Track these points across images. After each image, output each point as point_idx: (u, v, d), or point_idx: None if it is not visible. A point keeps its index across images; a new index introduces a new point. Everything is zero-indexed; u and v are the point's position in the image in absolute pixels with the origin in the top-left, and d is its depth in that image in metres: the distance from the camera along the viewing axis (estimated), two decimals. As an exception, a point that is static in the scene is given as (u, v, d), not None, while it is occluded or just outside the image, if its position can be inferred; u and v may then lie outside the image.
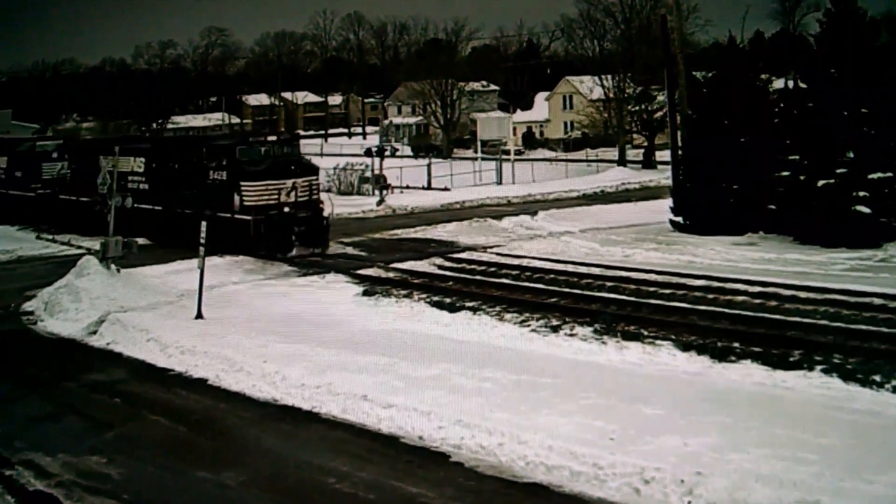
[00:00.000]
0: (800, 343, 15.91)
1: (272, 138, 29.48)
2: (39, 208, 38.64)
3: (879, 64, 26.21)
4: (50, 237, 34.58)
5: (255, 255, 26.76)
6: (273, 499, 11.07)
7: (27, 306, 22.26)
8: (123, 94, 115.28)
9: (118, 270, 22.93)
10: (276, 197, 27.37)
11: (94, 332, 19.21)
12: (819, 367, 14.64)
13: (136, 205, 28.07)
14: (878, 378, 13.99)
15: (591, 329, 17.75)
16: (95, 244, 24.85)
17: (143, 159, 32.61)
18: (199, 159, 29.61)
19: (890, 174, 25.34)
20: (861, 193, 25.10)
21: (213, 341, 17.36)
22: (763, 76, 31.98)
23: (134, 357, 17.53)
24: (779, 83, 33.46)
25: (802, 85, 28.90)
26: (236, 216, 27.24)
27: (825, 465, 10.49)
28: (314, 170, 29.89)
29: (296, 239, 27.42)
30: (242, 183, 27.24)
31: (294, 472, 11.84)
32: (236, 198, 27.35)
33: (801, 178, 26.29)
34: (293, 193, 27.49)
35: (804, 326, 17.29)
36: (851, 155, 25.69)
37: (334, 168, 53.28)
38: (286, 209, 27.32)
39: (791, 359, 15.19)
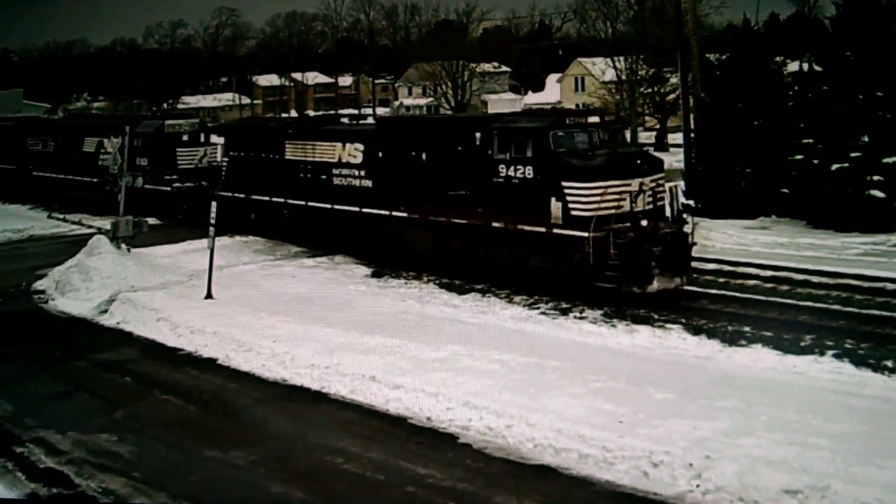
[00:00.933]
0: (812, 328, 15.80)
1: (594, 119, 20.68)
2: (190, 209, 30.99)
3: (895, 47, 25.94)
4: (61, 216, 34.69)
5: (591, 288, 18.63)
6: (283, 479, 11.09)
7: (38, 285, 22.36)
8: (134, 73, 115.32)
9: (129, 250, 22.98)
10: (616, 204, 18.80)
11: (105, 312, 19.29)
12: (831, 353, 14.56)
13: (353, 208, 23.91)
14: (890, 364, 13.91)
15: (600, 312, 17.68)
16: (106, 223, 24.89)
17: (359, 145, 24.37)
18: (475, 147, 20.93)
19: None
20: (875, 178, 24.90)
21: (223, 321, 17.39)
22: (777, 59, 31.66)
23: (144, 336, 17.60)
24: (793, 66, 33.06)
25: (817, 68, 28.61)
26: (556, 231, 19.09)
27: (836, 451, 10.46)
28: (661, 165, 20.59)
29: (655, 265, 18.49)
30: (566, 183, 18.96)
31: (303, 452, 11.88)
32: (555, 204, 19.24)
33: (815, 161, 26.10)
34: (640, 199, 19.06)
35: (816, 311, 17.19)
36: (866, 139, 25.48)
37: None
38: (641, 222, 18.61)
39: (802, 343, 15.11)
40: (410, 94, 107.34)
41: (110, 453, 11.96)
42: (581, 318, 17.51)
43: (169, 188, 32.63)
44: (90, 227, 30.28)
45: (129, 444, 12.25)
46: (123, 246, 22.85)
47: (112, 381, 15.32)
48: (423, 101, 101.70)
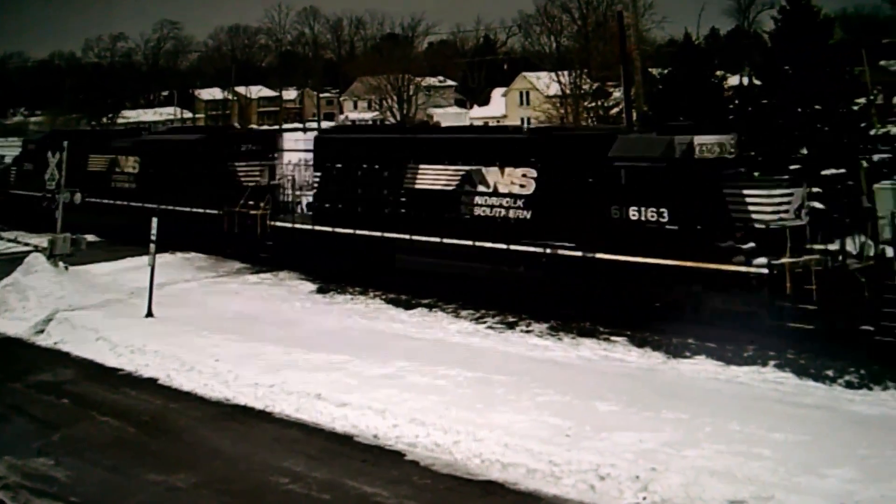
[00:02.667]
0: (753, 339, 15.91)
1: None
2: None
3: (833, 61, 26.48)
4: (-5, 234, 33.85)
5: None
6: (225, 501, 10.89)
7: (-29, 305, 21.70)
8: (73, 87, 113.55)
9: (67, 268, 22.51)
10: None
11: (42, 332, 18.84)
12: (772, 363, 14.76)
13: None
14: (831, 373, 14.13)
15: (546, 325, 17.71)
16: (43, 241, 24.35)
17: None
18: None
19: (843, 170, 25.61)
20: (815, 189, 25.35)
21: (165, 340, 17.07)
22: (718, 73, 32.19)
23: (82, 356, 17.20)
24: (734, 80, 33.66)
25: (757, 82, 29.10)
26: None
27: (779, 461, 10.57)
28: None
29: None
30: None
31: (247, 473, 11.65)
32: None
33: (756, 174, 26.46)
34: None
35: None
36: (805, 151, 25.94)
37: (288, 163, 52.82)
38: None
39: (745, 354, 15.28)
40: (356, 107, 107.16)
41: (47, 477, 11.64)
42: (527, 331, 17.55)
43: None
44: (27, 244, 29.55)
45: (67, 467, 11.93)
46: (61, 264, 22.37)
47: (49, 402, 14.92)
48: (368, 115, 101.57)
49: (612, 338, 16.62)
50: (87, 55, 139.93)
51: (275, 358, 15.59)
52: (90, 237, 25.83)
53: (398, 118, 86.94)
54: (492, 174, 19.96)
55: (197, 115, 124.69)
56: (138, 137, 34.37)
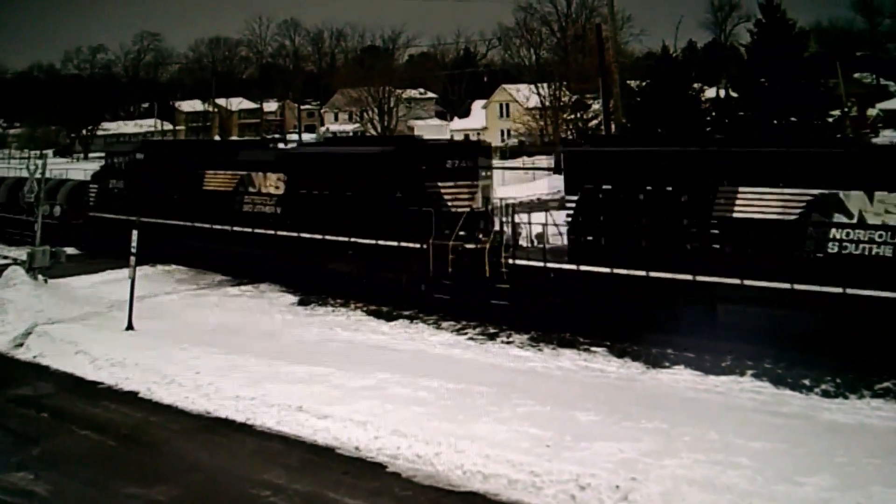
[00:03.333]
0: (731, 348, 16.04)
1: None
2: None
3: (808, 73, 26.82)
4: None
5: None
6: (206, 514, 10.86)
7: (-51, 319, 21.53)
8: (52, 99, 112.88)
9: (46, 281, 22.42)
10: None
11: (21, 345, 18.73)
12: (750, 372, 14.88)
13: None
14: (807, 382, 14.26)
15: (527, 336, 17.78)
16: (22, 254, 24.22)
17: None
18: None
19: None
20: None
21: (145, 353, 17.02)
22: (695, 85, 32.54)
23: (62, 370, 17.10)
24: (711, 92, 33.98)
25: (734, 94, 29.43)
26: None
27: (757, 469, 10.67)
28: None
29: None
30: None
31: (228, 485, 11.63)
32: None
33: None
34: None
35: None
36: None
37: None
38: None
39: (723, 364, 15.40)
40: (337, 119, 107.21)
41: (26, 492, 11.57)
42: (508, 342, 17.62)
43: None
44: (5, 257, 29.40)
45: (46, 482, 11.86)
46: (40, 277, 22.28)
47: (28, 416, 14.84)
48: (349, 127, 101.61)
49: (592, 348, 16.72)
50: (67, 67, 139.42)
51: (256, 370, 15.57)
52: (70, 250, 25.62)
53: (379, 130, 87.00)
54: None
55: (177, 128, 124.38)
56: (282, 149, 30.06)
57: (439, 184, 21.63)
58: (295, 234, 23.67)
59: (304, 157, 26.42)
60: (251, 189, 25.85)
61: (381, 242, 21.57)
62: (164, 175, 28.71)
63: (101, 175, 32.69)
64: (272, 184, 25.33)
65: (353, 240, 22.13)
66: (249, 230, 25.15)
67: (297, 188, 24.37)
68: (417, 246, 20.61)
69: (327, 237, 22.59)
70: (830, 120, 27.65)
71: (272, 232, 24.45)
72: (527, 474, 10.97)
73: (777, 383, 14.35)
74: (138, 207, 26.13)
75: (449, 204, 21.40)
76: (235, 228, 25.51)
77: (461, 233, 20.34)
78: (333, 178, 23.51)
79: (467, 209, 21.17)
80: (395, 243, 21.21)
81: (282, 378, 15.01)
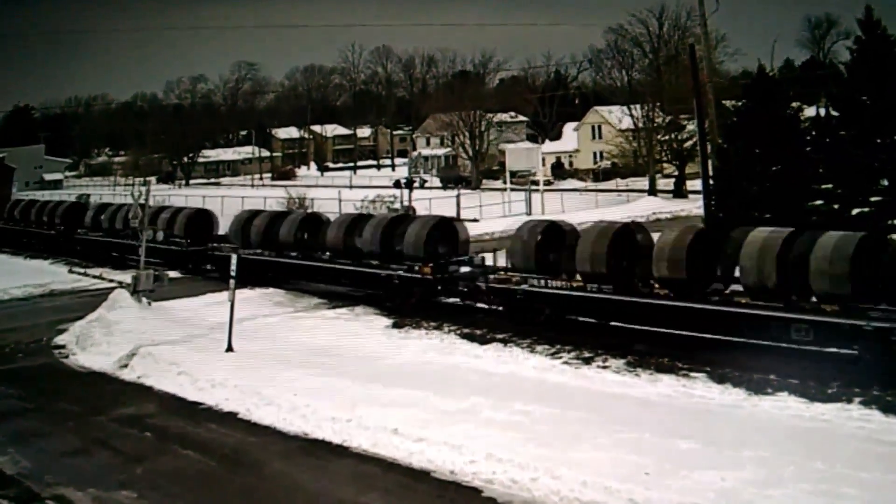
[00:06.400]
0: (837, 374, 15.54)
1: None
2: None
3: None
4: (82, 271, 34.87)
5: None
6: (304, 535, 10.95)
7: (59, 340, 22.36)
8: (154, 128, 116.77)
9: (149, 303, 23.04)
10: None
11: (126, 366, 19.24)
12: (858, 400, 14.36)
13: None
14: (919, 410, 13.68)
15: (623, 361, 17.53)
16: (127, 277, 24.98)
17: None
18: None
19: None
20: (896, 221, 24.76)
21: (244, 374, 17.33)
22: (794, 104, 31.70)
23: (164, 390, 17.52)
24: (810, 111, 33.14)
25: (834, 113, 28.63)
26: None
27: (866, 500, 10.30)
28: None
29: None
30: None
31: (326, 507, 11.72)
32: None
33: (835, 206, 25.97)
34: None
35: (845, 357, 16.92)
36: (886, 182, 25.38)
37: (362, 200, 53.54)
38: None
39: (829, 391, 14.90)
40: (428, 144, 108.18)
41: (131, 510, 11.86)
42: (604, 367, 17.37)
43: None
44: (111, 280, 30.40)
45: (150, 500, 12.12)
46: (144, 300, 22.93)
47: (132, 436, 15.20)
48: (441, 152, 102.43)
49: (692, 373, 16.35)
50: (169, 97, 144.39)
51: (351, 392, 15.70)
52: (172, 273, 26.35)
53: (470, 153, 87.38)
54: None
55: (274, 154, 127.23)
56: None
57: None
58: None
59: None
60: None
61: None
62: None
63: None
64: None
65: None
66: None
67: None
68: None
69: None
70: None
71: None
72: (625, 502, 10.77)
73: (886, 411, 13.78)
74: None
75: None
76: None
77: None
78: None
79: None
80: None
81: (377, 400, 15.09)
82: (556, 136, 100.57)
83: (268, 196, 59.56)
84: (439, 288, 23.66)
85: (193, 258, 32.16)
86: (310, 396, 15.55)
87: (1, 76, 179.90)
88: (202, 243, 32.32)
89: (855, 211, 25.39)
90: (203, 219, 34.39)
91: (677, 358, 17.35)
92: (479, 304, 23.12)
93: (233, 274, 20.33)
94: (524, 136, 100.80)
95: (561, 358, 18.21)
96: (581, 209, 57.21)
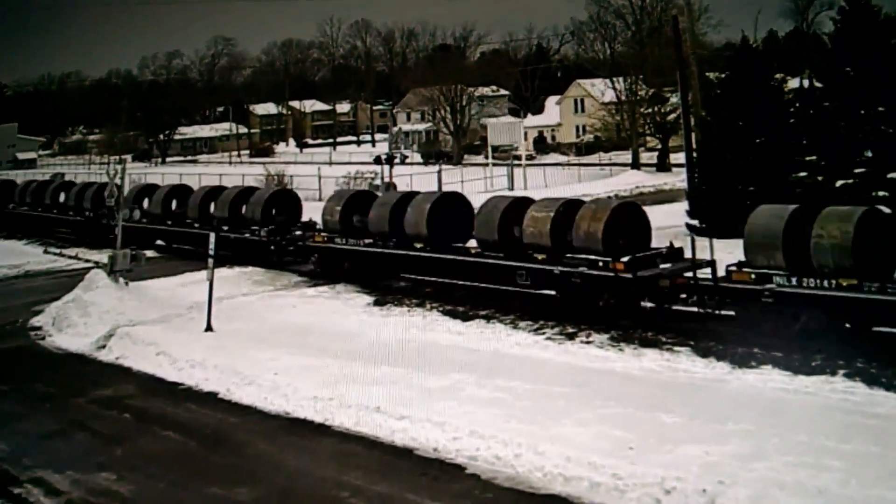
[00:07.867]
0: (822, 347, 15.51)
1: None
2: None
3: (894, 62, 25.83)
4: (57, 251, 34.50)
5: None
6: (286, 515, 10.84)
7: (35, 321, 22.06)
8: (130, 105, 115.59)
9: (127, 284, 22.78)
10: None
11: (103, 347, 19.03)
12: (842, 372, 14.34)
13: None
14: (902, 382, 13.68)
15: (607, 336, 17.46)
16: (103, 257, 24.69)
17: None
18: None
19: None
20: (881, 193, 24.72)
21: (224, 354, 17.16)
22: (777, 76, 31.59)
23: (143, 371, 17.34)
24: (793, 83, 33.04)
25: (818, 84, 28.52)
26: None
27: (850, 472, 10.24)
28: None
29: None
30: None
31: (308, 486, 11.63)
32: None
33: (819, 178, 25.93)
34: None
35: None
36: (870, 154, 25.34)
37: (344, 176, 53.23)
38: None
39: (813, 364, 14.88)
40: (409, 119, 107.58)
41: (110, 492, 11.71)
42: (587, 342, 17.31)
43: None
44: (87, 261, 30.06)
45: (130, 482, 11.99)
46: (121, 280, 22.65)
47: (111, 417, 15.04)
48: (422, 127, 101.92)
49: (676, 348, 16.31)
50: (144, 73, 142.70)
51: (333, 371, 15.54)
52: (149, 252, 26.04)
53: (451, 128, 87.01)
54: None
55: (252, 130, 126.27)
56: None
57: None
58: None
59: None
60: None
61: None
62: None
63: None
64: None
65: None
66: None
67: None
68: None
69: None
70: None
71: None
72: (609, 477, 10.71)
73: (870, 383, 13.77)
74: None
75: None
76: None
77: None
78: None
79: None
80: None
81: (359, 379, 14.95)
82: (539, 109, 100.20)
83: (246, 173, 59.09)
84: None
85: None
86: (291, 375, 15.41)
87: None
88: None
89: (839, 183, 25.34)
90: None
91: (661, 332, 17.22)
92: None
93: (211, 252, 20.10)
94: (506, 111, 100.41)
95: (544, 334, 18.13)
96: (564, 184, 57.10)
